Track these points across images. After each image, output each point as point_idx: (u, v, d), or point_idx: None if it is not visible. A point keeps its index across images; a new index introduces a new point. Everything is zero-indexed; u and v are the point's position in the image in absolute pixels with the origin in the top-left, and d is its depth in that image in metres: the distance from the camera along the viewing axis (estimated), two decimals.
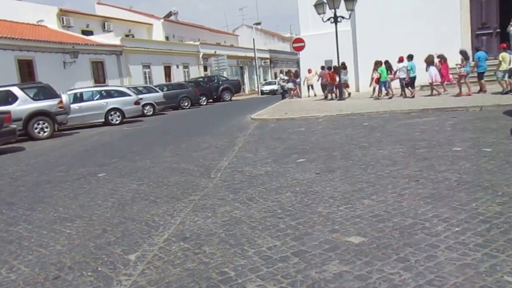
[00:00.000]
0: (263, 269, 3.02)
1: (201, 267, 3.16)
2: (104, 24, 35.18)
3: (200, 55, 39.00)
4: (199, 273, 3.06)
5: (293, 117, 13.04)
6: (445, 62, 14.84)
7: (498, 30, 18.21)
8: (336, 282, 2.72)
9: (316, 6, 17.19)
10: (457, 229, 3.39)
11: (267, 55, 51.43)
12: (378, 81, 16.44)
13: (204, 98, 28.41)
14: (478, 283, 2.54)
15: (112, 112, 18.80)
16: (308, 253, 3.21)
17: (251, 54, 44.95)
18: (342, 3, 16.83)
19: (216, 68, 37.70)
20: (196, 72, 38.30)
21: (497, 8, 18.53)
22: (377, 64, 16.18)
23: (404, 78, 15.73)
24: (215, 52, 39.91)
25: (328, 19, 16.96)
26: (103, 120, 18.56)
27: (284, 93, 24.75)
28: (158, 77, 33.06)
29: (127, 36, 35.33)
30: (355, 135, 8.80)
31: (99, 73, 28.80)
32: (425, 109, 11.37)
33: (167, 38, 40.15)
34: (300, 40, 21.31)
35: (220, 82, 31.77)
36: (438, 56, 15.00)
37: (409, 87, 15.63)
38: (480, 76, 13.95)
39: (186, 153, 8.79)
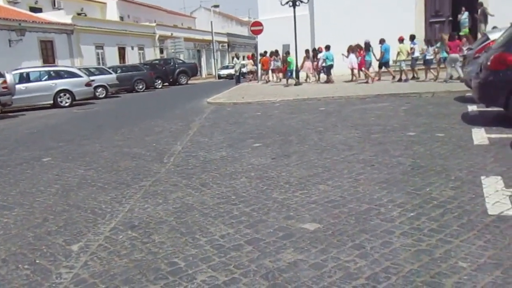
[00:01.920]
0: (215, 259, 2.87)
1: (149, 258, 2.98)
2: (54, 1, 33.40)
3: (156, 37, 37.93)
4: (147, 264, 2.88)
5: (250, 101, 12.90)
6: (363, 50, 16.34)
7: (450, 18, 18.75)
8: (290, 271, 2.62)
9: None
10: (411, 214, 3.37)
11: (225, 39, 50.76)
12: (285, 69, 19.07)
13: (159, 81, 27.65)
14: (434, 269, 2.51)
15: (62, 94, 17.91)
16: (262, 241, 3.09)
17: (209, 38, 44.24)
18: None
19: (173, 50, 36.78)
20: (152, 54, 37.26)
21: None
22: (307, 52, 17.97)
23: (323, 67, 17.84)
24: (172, 34, 38.93)
25: (287, 3, 16.83)
26: (51, 102, 17.65)
27: (238, 77, 24.44)
28: (112, 58, 31.86)
29: (79, 14, 33.71)
30: (311, 119, 8.77)
31: (48, 53, 27.41)
32: (379, 94, 11.54)
33: (121, 18, 38.71)
34: (258, 23, 21.06)
35: (177, 65, 30.98)
36: (359, 46, 16.51)
37: (328, 75, 17.45)
38: (386, 65, 15.84)
39: (139, 137, 8.46)
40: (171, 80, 30.00)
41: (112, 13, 37.94)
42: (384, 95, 11.46)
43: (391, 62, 15.96)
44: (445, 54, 13.79)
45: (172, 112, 12.48)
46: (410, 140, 6.06)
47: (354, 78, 17.11)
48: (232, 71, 37.65)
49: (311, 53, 18.65)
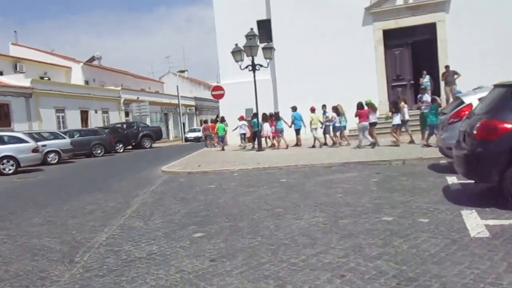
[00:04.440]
0: None
1: None
2: (16, 65, 32.43)
3: (122, 101, 36.98)
4: None
5: (206, 170, 11.58)
6: (274, 120, 17.00)
7: (412, 82, 18.51)
8: None
9: (233, 53, 16.30)
10: None
11: (193, 102, 50.44)
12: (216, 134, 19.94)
13: (121, 145, 26.20)
14: None
15: (5, 161, 16.29)
16: None
17: (176, 101, 43.65)
18: (260, 51, 16.15)
19: (138, 114, 35.79)
20: (117, 117, 36.07)
21: (410, 61, 18.97)
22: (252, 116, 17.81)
23: (244, 134, 18.74)
24: (138, 98, 38.11)
25: (246, 67, 16.14)
26: None
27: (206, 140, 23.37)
28: (74, 122, 30.56)
29: (42, 78, 32.72)
30: (269, 196, 7.47)
31: (3, 116, 25.94)
32: (346, 162, 10.45)
33: (87, 82, 37.82)
34: (219, 88, 20.29)
35: (140, 129, 29.80)
36: (271, 115, 17.23)
37: (254, 140, 17.71)
38: (297, 132, 16.62)
39: (62, 219, 6.97)
40: (133, 144, 28.66)
41: (77, 77, 37.13)
42: (351, 163, 10.37)
43: (308, 130, 16.16)
44: (344, 123, 15.22)
45: (119, 183, 11.01)
46: (388, 230, 4.81)
47: (271, 145, 17.48)
48: (199, 134, 36.84)
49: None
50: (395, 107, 13.67)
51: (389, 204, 6.01)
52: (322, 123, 15.76)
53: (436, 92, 17.71)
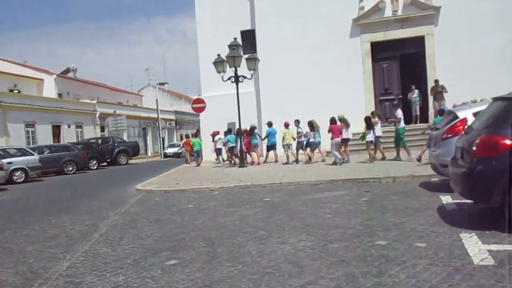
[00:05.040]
0: None
1: None
2: None
3: (97, 115, 35.84)
4: None
5: (185, 188, 10.97)
6: (247, 135, 16.65)
7: (400, 96, 18.24)
8: None
9: (215, 64, 15.75)
10: None
11: (173, 116, 49.41)
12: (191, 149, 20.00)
13: (95, 162, 25.20)
14: None
15: None
16: None
17: (155, 115, 42.69)
18: (244, 63, 15.64)
19: (114, 128, 34.73)
20: (92, 132, 34.93)
21: (398, 75, 18.62)
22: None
23: (220, 149, 18.69)
24: (115, 112, 37.07)
25: (229, 79, 15.57)
26: None
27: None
28: (45, 137, 29.18)
29: (11, 91, 31.41)
30: (252, 217, 6.93)
31: None
32: (334, 180, 9.99)
33: (60, 95, 36.52)
34: (200, 100, 19.58)
35: (116, 144, 28.76)
36: (246, 130, 16.77)
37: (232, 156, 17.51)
38: (269, 148, 16.37)
39: (20, 245, 6.29)
40: (109, 160, 27.67)
41: (50, 90, 35.78)
42: (339, 180, 9.92)
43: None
44: (318, 139, 14.87)
45: (88, 203, 10.28)
46: (383, 256, 4.32)
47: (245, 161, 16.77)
48: (178, 150, 36.00)
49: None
50: (368, 123, 13.37)
51: (382, 226, 5.53)
52: (294, 139, 15.44)
53: (424, 107, 17.56)
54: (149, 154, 42.62)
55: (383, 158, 13.37)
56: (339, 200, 7.76)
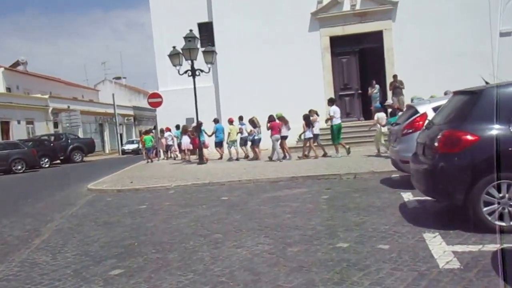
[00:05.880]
0: None
1: None
2: None
3: (50, 110, 34.20)
4: None
5: (139, 187, 10.43)
6: (193, 134, 16.47)
7: (360, 91, 18.23)
8: None
9: (171, 56, 15.16)
10: None
11: (131, 112, 47.95)
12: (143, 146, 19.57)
13: (46, 160, 23.98)
14: None
15: None
16: None
17: (112, 111, 41.29)
18: (201, 56, 15.14)
19: (68, 124, 33.29)
20: (44, 129, 33.28)
21: (357, 70, 18.56)
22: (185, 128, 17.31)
23: (170, 146, 18.84)
24: (69, 107, 35.52)
25: (185, 72, 15.02)
26: None
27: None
28: None
29: None
30: (208, 217, 6.54)
31: None
32: (294, 177, 9.74)
33: (9, 89, 34.63)
34: (156, 95, 18.89)
35: (70, 141, 27.54)
36: (190, 130, 16.78)
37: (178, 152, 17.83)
38: (217, 144, 16.31)
39: None
40: (62, 157, 26.44)
41: None
42: (299, 177, 9.68)
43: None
44: (260, 136, 14.95)
45: (34, 205, 9.59)
46: (345, 260, 4.06)
47: (188, 158, 16.85)
48: (137, 146, 34.92)
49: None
50: (306, 121, 13.44)
51: (343, 226, 5.29)
52: (238, 134, 15.71)
53: (383, 102, 17.60)
54: (107, 151, 41.18)
55: (325, 155, 13.51)
56: (299, 198, 7.49)
